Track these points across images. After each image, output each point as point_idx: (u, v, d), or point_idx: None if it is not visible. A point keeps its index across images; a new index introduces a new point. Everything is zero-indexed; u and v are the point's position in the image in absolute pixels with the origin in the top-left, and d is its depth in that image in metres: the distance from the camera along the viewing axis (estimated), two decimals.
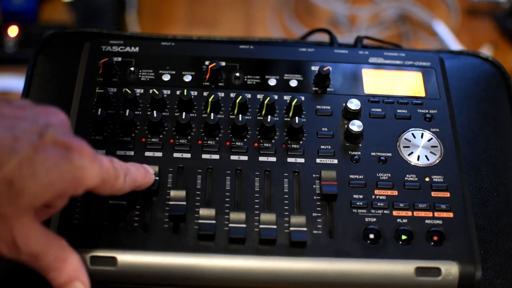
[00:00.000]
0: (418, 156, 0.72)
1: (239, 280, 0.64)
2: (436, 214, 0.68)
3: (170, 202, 0.66)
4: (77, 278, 0.58)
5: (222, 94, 0.74)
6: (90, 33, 0.86)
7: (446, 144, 0.73)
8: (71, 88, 0.75)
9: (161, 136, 0.71)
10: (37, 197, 0.53)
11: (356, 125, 0.72)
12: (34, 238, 0.55)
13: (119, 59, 0.77)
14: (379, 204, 0.68)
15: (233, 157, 0.70)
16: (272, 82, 0.76)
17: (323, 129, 0.73)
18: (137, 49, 0.78)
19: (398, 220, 0.67)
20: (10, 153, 0.51)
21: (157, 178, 0.67)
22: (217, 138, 0.71)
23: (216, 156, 0.70)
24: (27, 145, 0.52)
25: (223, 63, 0.77)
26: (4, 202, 0.52)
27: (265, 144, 0.71)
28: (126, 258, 0.64)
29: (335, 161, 0.71)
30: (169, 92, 0.74)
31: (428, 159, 0.72)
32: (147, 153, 0.70)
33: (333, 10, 1.84)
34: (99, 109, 0.71)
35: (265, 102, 0.73)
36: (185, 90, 0.73)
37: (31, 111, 0.55)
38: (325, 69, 0.76)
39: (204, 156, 0.70)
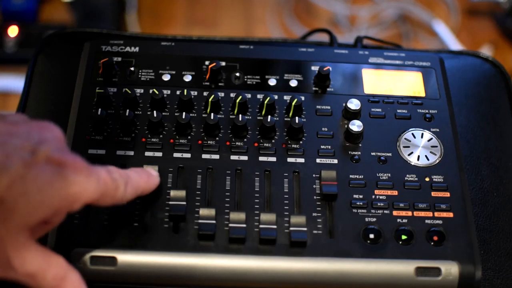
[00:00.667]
0: (418, 156, 0.72)
1: (239, 280, 0.64)
2: (436, 214, 0.68)
3: (170, 202, 0.66)
4: None
5: (222, 94, 0.74)
6: (90, 33, 0.86)
7: (446, 144, 0.73)
8: (71, 88, 0.75)
9: (161, 136, 0.71)
10: (30, 216, 0.51)
11: (356, 125, 0.72)
12: (31, 257, 0.53)
13: (119, 59, 0.77)
14: (379, 204, 0.68)
15: (233, 157, 0.70)
16: (272, 82, 0.76)
17: (323, 129, 0.73)
18: (137, 49, 0.78)
19: (398, 220, 0.67)
20: (1, 171, 0.50)
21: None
22: (217, 138, 0.71)
23: (216, 156, 0.70)
24: (19, 163, 0.51)
25: (223, 63, 0.77)
26: None
27: (265, 144, 0.71)
28: (126, 258, 0.64)
29: (335, 161, 0.71)
30: (169, 92, 0.74)
31: (428, 159, 0.72)
32: (147, 153, 0.70)
33: (333, 10, 1.84)
34: (99, 109, 0.71)
35: (265, 102, 0.73)
36: (185, 90, 0.73)
37: (25, 127, 0.54)
38: (325, 69, 0.76)
39: (204, 156, 0.70)
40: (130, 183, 0.60)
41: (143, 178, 0.63)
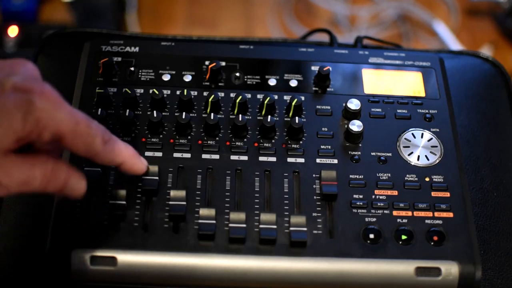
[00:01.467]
0: (418, 156, 0.72)
1: (239, 280, 0.64)
2: (436, 214, 0.68)
3: (170, 202, 0.66)
4: (70, 176, 0.59)
5: (222, 94, 0.74)
6: (90, 33, 0.86)
7: (446, 144, 0.73)
8: (71, 88, 0.75)
9: (161, 136, 0.71)
10: (2, 141, 0.54)
11: (356, 125, 0.72)
12: (15, 170, 0.55)
13: (119, 59, 0.77)
14: (379, 204, 0.68)
15: (233, 157, 0.70)
16: (272, 82, 0.76)
17: (323, 129, 0.73)
18: (137, 49, 0.78)
19: (398, 220, 0.67)
20: None
21: (157, 178, 0.67)
22: (217, 138, 0.71)
23: (216, 156, 0.70)
24: None
25: (223, 63, 0.77)
26: None
27: (265, 144, 0.71)
28: (126, 258, 0.64)
29: (335, 161, 0.71)
30: (169, 92, 0.74)
31: (428, 159, 0.72)
32: (147, 153, 0.70)
33: (333, 10, 1.84)
34: (99, 109, 0.71)
35: (265, 102, 0.73)
36: (185, 90, 0.73)
37: None
38: (325, 69, 0.76)
39: (204, 156, 0.70)
40: (111, 145, 0.60)
41: (129, 152, 0.63)
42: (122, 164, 0.63)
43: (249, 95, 0.74)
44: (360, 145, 0.72)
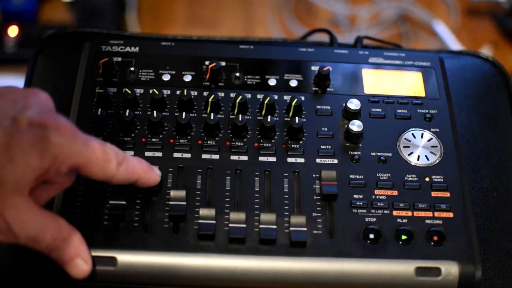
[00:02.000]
0: (418, 156, 0.72)
1: (239, 280, 0.64)
2: (436, 214, 0.68)
3: (170, 202, 0.66)
4: (78, 255, 0.59)
5: (222, 94, 0.74)
6: (90, 33, 0.86)
7: (446, 144, 0.73)
8: (71, 88, 0.75)
9: (161, 136, 0.71)
10: (20, 181, 0.53)
11: (356, 125, 0.72)
12: (30, 221, 0.55)
13: (119, 59, 0.77)
14: (379, 204, 0.68)
15: (233, 157, 0.70)
16: (272, 82, 0.76)
17: (323, 129, 0.73)
18: (137, 49, 0.78)
19: (398, 220, 0.67)
20: None
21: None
22: (217, 138, 0.71)
23: (216, 156, 0.70)
24: (1, 133, 0.53)
25: (223, 63, 0.77)
26: None
27: (265, 144, 0.71)
28: (126, 258, 0.64)
29: (335, 161, 0.71)
30: (169, 92, 0.74)
31: (428, 159, 0.72)
32: (147, 153, 0.70)
33: (333, 10, 1.84)
34: (99, 109, 0.71)
35: (265, 102, 0.73)
36: (185, 90, 0.73)
37: (10, 97, 0.56)
38: (325, 69, 0.76)
39: (204, 156, 0.70)
40: (125, 164, 0.60)
41: (142, 167, 0.63)
42: (138, 181, 0.63)
43: (249, 95, 0.74)
44: (360, 145, 0.72)
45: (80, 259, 0.59)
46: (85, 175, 0.58)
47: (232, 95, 0.74)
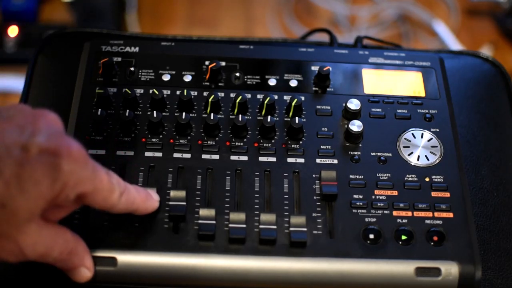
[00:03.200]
0: (418, 156, 0.72)
1: (239, 280, 0.64)
2: (436, 214, 0.68)
3: (170, 202, 0.66)
4: (82, 265, 0.60)
5: (222, 94, 0.74)
6: (90, 33, 0.86)
7: (446, 144, 0.73)
8: (71, 88, 0.75)
9: (161, 136, 0.71)
10: (32, 210, 0.53)
11: (356, 125, 0.72)
12: (40, 242, 0.55)
13: (119, 59, 0.77)
14: (379, 204, 0.68)
15: (233, 157, 0.70)
16: (272, 82, 0.76)
17: (323, 129, 0.73)
18: (137, 49, 0.78)
19: (398, 220, 0.67)
20: None
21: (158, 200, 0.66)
22: (217, 138, 0.71)
23: (216, 156, 0.70)
24: (11, 163, 0.51)
25: (223, 63, 0.77)
26: (3, 224, 0.52)
27: (265, 144, 0.71)
28: (126, 258, 0.64)
29: (335, 161, 0.71)
30: (169, 92, 0.74)
31: (428, 159, 0.72)
32: (147, 153, 0.70)
33: (333, 10, 1.84)
34: (99, 109, 0.71)
35: (265, 102, 0.73)
36: (185, 90, 0.73)
37: (18, 121, 0.54)
38: (325, 69, 0.76)
39: (204, 156, 0.70)
40: (126, 195, 0.60)
41: (141, 197, 0.63)
42: (137, 211, 0.63)
43: (249, 95, 0.74)
44: (360, 145, 0.72)
45: (83, 267, 0.61)
46: (87, 203, 0.57)
47: (232, 95, 0.74)
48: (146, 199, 0.63)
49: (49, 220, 0.57)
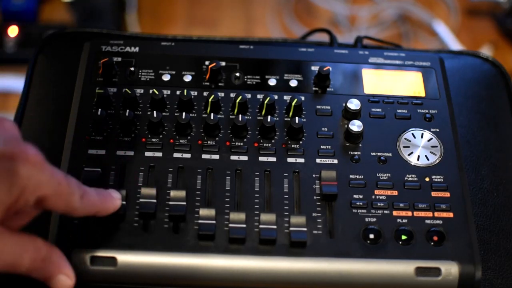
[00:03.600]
0: (418, 156, 0.72)
1: (239, 280, 0.64)
2: (436, 214, 0.68)
3: (170, 202, 0.66)
4: (60, 272, 0.58)
5: (222, 94, 0.74)
6: (90, 33, 0.86)
7: (446, 144, 0.73)
8: (71, 88, 0.75)
9: (161, 136, 0.71)
10: None
11: (356, 125, 0.72)
12: (5, 249, 0.54)
13: (119, 59, 0.77)
14: (379, 204, 0.68)
15: (233, 157, 0.70)
16: (272, 82, 0.76)
17: (323, 129, 0.73)
18: (137, 49, 0.78)
19: (398, 220, 0.67)
20: None
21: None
22: (217, 138, 0.71)
23: (216, 156, 0.70)
24: None
25: (223, 63, 0.77)
26: None
27: (265, 144, 0.71)
28: (126, 258, 0.64)
29: (335, 161, 0.71)
30: (169, 92, 0.74)
31: (428, 159, 0.72)
32: (147, 153, 0.70)
33: (333, 10, 1.84)
34: (99, 109, 0.71)
35: (265, 102, 0.73)
36: (185, 90, 0.73)
37: None
38: (325, 69, 0.76)
39: (204, 156, 0.70)
40: (86, 197, 0.58)
41: (101, 198, 0.61)
42: (98, 213, 0.62)
43: (249, 95, 0.74)
44: (360, 145, 0.72)
45: (62, 275, 0.58)
46: (48, 208, 0.56)
47: (232, 95, 0.74)
48: (105, 199, 0.62)
49: (12, 228, 0.55)
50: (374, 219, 0.67)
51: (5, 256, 0.54)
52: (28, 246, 0.55)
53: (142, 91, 0.74)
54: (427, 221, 0.67)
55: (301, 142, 0.72)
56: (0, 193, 0.51)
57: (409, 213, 0.68)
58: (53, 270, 0.57)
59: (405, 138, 0.73)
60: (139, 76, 0.76)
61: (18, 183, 0.52)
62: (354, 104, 0.73)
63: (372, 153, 0.72)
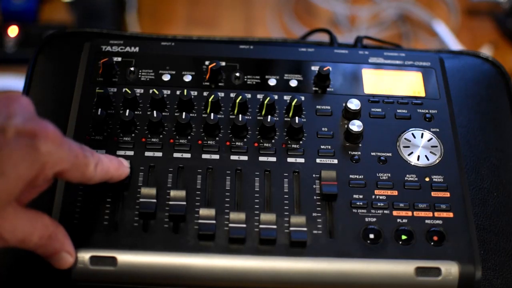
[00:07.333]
0: (418, 156, 0.72)
1: (239, 280, 0.64)
2: (436, 214, 0.68)
3: (170, 202, 0.66)
4: (63, 249, 0.60)
5: (222, 94, 0.74)
6: (90, 33, 0.86)
7: (446, 144, 0.73)
8: (71, 88, 0.75)
9: (161, 136, 0.71)
10: (11, 192, 0.53)
11: (356, 125, 0.72)
12: (19, 226, 0.55)
13: (119, 59, 0.77)
14: (379, 204, 0.68)
15: (233, 157, 0.70)
16: (272, 82, 0.76)
17: (323, 129, 0.73)
18: (137, 49, 0.78)
19: (398, 220, 0.67)
20: None
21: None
22: (217, 138, 0.71)
23: (216, 156, 0.70)
24: None
25: (223, 63, 0.77)
26: None
27: (265, 144, 0.71)
28: (126, 258, 0.64)
29: (335, 161, 0.71)
30: (169, 92, 0.74)
31: (428, 159, 0.72)
32: (147, 153, 0.70)
33: (333, 10, 1.84)
34: (99, 109, 0.71)
35: (265, 102, 0.73)
36: (185, 90, 0.73)
37: None
38: (325, 69, 0.76)
39: (204, 156, 0.70)
40: (100, 165, 0.60)
41: (114, 165, 0.64)
42: (111, 179, 0.64)
43: (249, 95, 0.74)
44: (360, 145, 0.72)
45: (64, 252, 0.60)
46: (65, 179, 0.58)
47: (232, 95, 0.75)
48: (118, 167, 0.64)
49: (22, 202, 0.57)
50: (374, 219, 0.67)
51: (18, 233, 0.56)
52: (37, 223, 0.57)
53: (142, 91, 0.74)
54: (427, 221, 0.67)
55: (301, 142, 0.72)
56: (22, 169, 0.53)
57: (409, 213, 0.68)
58: (57, 247, 0.60)
59: (405, 138, 0.73)
60: (139, 76, 0.76)
61: (39, 159, 0.53)
62: (354, 104, 0.73)
63: (372, 153, 0.72)
